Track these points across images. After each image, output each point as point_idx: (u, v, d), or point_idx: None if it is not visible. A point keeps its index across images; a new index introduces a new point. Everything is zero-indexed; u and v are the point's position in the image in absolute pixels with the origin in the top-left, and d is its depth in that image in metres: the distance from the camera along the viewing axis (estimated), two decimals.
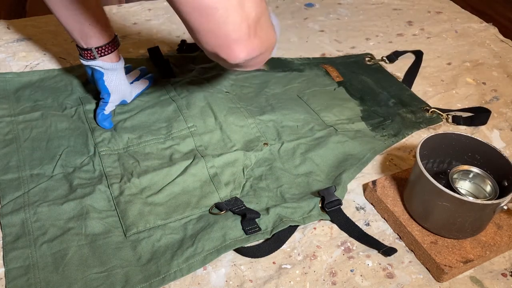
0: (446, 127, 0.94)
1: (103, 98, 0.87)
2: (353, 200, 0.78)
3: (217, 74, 1.02)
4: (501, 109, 1.00)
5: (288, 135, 0.87)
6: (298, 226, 0.72)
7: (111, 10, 1.27)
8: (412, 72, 1.08)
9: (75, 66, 1.02)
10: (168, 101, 0.93)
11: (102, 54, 0.83)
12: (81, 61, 0.85)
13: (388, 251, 0.68)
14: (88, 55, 0.83)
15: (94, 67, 0.85)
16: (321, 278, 0.66)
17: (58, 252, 0.65)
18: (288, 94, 0.99)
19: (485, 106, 0.99)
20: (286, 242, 0.70)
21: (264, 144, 0.85)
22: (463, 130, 0.93)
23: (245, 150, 0.83)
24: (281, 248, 0.69)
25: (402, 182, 0.76)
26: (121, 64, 0.87)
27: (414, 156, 0.84)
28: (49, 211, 0.70)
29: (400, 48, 1.16)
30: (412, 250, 0.70)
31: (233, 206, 0.72)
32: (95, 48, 0.82)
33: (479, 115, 0.95)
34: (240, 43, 0.55)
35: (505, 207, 0.64)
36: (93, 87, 0.92)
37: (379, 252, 0.69)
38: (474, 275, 0.67)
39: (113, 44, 0.84)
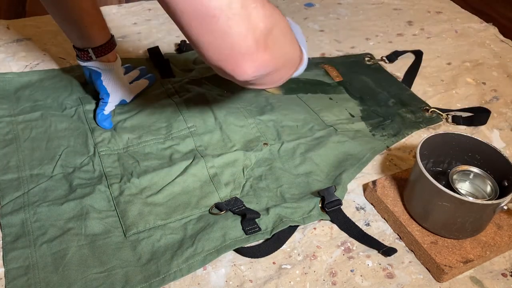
0: (446, 127, 0.94)
1: (103, 99, 0.87)
2: (353, 200, 0.78)
3: (217, 74, 1.01)
4: (501, 109, 1.00)
5: (288, 135, 0.87)
6: (298, 226, 0.72)
7: (111, 10, 1.27)
8: (412, 72, 1.08)
9: (74, 66, 1.02)
10: (168, 101, 0.93)
11: (99, 55, 0.83)
12: (78, 61, 0.85)
13: (388, 251, 0.68)
14: (85, 56, 0.83)
15: (91, 67, 0.85)
16: (321, 278, 0.66)
17: (58, 252, 0.65)
18: (287, 94, 0.99)
19: (485, 106, 0.99)
20: (286, 242, 0.70)
21: (264, 144, 0.85)
22: (463, 130, 0.93)
23: (245, 150, 0.83)
24: (281, 248, 0.69)
25: (402, 182, 0.76)
26: (118, 64, 0.87)
27: (414, 156, 0.84)
28: (49, 211, 0.70)
29: (400, 48, 1.16)
30: (412, 250, 0.70)
31: (233, 206, 0.72)
32: (92, 49, 0.82)
33: (479, 115, 0.95)
34: (246, 57, 0.49)
35: (505, 207, 0.64)
36: (92, 87, 0.91)
37: (379, 252, 0.69)
38: (474, 275, 0.67)
39: (110, 44, 0.84)
